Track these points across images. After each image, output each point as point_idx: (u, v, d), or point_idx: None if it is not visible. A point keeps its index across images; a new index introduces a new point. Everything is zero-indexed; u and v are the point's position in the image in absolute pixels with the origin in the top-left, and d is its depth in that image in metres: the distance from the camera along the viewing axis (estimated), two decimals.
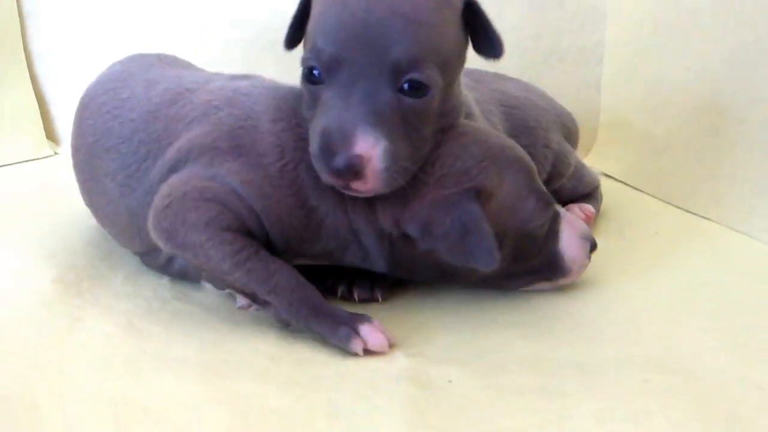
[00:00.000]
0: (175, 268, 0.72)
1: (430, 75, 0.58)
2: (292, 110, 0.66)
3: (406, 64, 0.57)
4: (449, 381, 0.55)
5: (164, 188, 0.64)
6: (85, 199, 0.79)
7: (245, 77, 0.74)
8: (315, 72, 0.60)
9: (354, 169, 0.56)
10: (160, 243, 0.64)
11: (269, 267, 0.62)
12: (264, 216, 0.63)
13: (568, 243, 0.69)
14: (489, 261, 0.60)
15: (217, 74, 0.77)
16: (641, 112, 1.12)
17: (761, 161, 0.88)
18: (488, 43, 0.64)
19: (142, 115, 0.71)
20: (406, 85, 0.58)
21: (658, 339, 0.63)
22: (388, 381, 0.54)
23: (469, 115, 0.73)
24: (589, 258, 0.71)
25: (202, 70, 0.82)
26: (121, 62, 0.83)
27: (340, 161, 0.56)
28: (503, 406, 0.52)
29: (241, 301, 0.67)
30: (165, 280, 0.73)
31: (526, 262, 0.68)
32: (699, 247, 0.84)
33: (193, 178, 0.64)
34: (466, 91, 0.76)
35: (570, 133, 0.96)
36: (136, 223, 0.70)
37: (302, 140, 0.64)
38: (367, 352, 0.59)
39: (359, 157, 0.56)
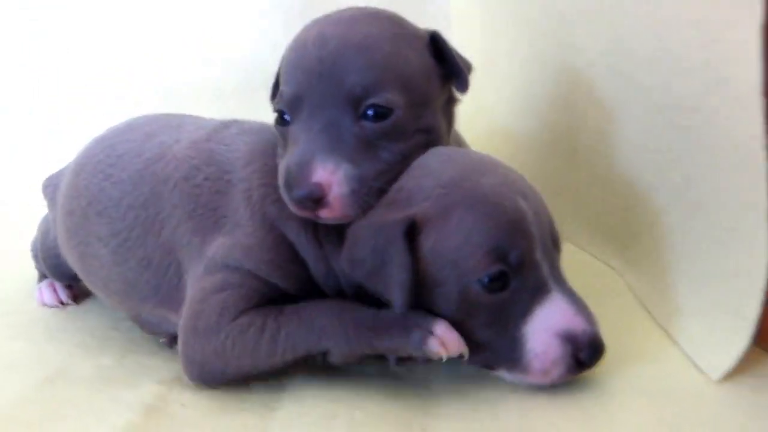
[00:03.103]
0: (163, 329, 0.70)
1: (390, 97, 0.58)
2: (268, 150, 0.65)
3: (362, 91, 0.57)
4: (182, 405, 0.58)
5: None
6: (75, 265, 0.76)
7: (236, 122, 0.71)
8: (285, 116, 0.61)
9: (314, 197, 0.56)
10: (186, 372, 0.60)
11: (302, 318, 0.58)
12: (258, 269, 0.60)
13: (538, 333, 0.54)
14: (397, 298, 0.53)
15: (210, 122, 0.73)
16: (485, 134, 1.23)
17: (558, 172, 0.96)
18: (455, 75, 0.65)
19: (132, 174, 0.68)
20: (370, 111, 0.57)
21: None
22: (120, 408, 0.58)
23: (462, 143, 0.75)
24: (570, 368, 0.54)
25: (205, 118, 0.77)
26: (129, 120, 0.78)
27: (299, 192, 0.56)
28: (210, 426, 0.55)
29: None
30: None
31: (475, 331, 0.55)
32: None
33: (194, 282, 0.62)
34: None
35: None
36: (128, 291, 0.68)
37: (269, 176, 0.62)
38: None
39: (318, 185, 0.55)
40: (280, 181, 0.58)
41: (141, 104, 1.45)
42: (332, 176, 0.55)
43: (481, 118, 1.24)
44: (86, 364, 0.68)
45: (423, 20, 1.40)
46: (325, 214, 0.57)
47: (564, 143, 0.93)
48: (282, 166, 0.59)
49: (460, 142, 0.75)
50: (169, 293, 0.66)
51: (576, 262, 0.87)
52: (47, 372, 0.65)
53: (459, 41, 1.34)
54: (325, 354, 0.58)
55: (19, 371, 0.66)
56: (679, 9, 0.62)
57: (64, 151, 1.25)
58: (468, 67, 0.66)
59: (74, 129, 1.43)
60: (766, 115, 0.53)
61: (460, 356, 0.55)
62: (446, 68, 0.64)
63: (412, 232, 0.55)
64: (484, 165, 0.58)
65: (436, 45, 0.64)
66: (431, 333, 0.54)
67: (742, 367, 0.57)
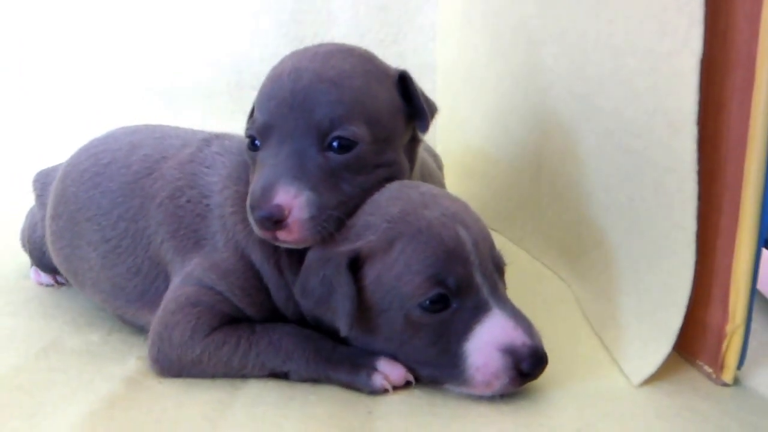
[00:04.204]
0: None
1: (355, 131, 0.61)
2: (242, 175, 0.68)
3: (329, 124, 0.60)
4: (159, 383, 0.65)
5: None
6: (61, 265, 0.80)
7: (218, 138, 0.75)
8: (256, 142, 0.64)
9: (274, 219, 0.58)
10: (160, 375, 0.65)
11: (272, 338, 0.63)
12: (230, 294, 0.65)
13: (478, 347, 0.58)
14: (342, 325, 0.59)
15: (194, 137, 0.76)
16: (459, 146, 1.31)
17: (523, 186, 1.03)
18: (417, 116, 0.68)
19: (122, 186, 0.72)
20: (335, 143, 0.61)
21: None
22: (106, 379, 0.65)
23: (428, 175, 0.78)
24: (512, 380, 0.58)
25: (186, 130, 0.80)
26: (109, 131, 0.82)
27: (261, 212, 0.59)
28: (185, 399, 0.62)
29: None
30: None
31: (420, 350, 0.61)
32: None
33: (169, 293, 0.67)
34: (424, 153, 0.80)
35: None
36: (116, 293, 0.73)
37: (240, 203, 0.66)
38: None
39: (279, 206, 0.58)
40: (247, 203, 0.62)
41: (134, 103, 1.53)
42: (293, 200, 0.59)
43: (458, 130, 1.30)
44: (76, 340, 0.75)
45: (411, 32, 1.48)
46: (283, 236, 0.60)
47: (530, 159, 0.99)
48: (250, 190, 0.62)
49: (424, 175, 0.79)
50: (155, 299, 0.70)
51: (530, 271, 0.94)
52: (41, 345, 0.72)
53: (442, 53, 1.41)
54: (287, 373, 0.64)
55: (16, 343, 0.73)
56: (631, 37, 0.68)
57: (60, 141, 1.32)
58: (432, 109, 0.69)
59: (71, 122, 1.50)
60: (699, 144, 0.60)
61: (408, 383, 0.62)
62: (412, 108, 0.68)
63: (357, 263, 0.60)
64: (429, 198, 0.62)
65: (404, 84, 0.67)
66: (375, 370, 0.61)
67: (661, 373, 0.64)
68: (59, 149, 1.00)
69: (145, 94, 1.59)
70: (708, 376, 0.65)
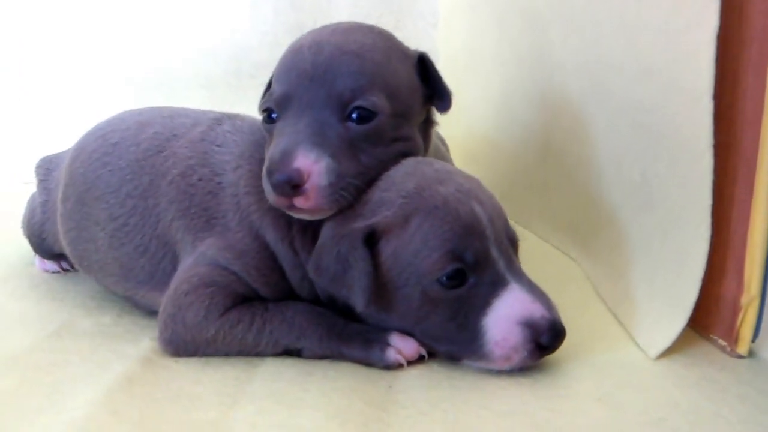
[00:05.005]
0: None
1: (376, 102, 0.61)
2: (255, 155, 0.68)
3: (350, 94, 0.60)
4: (175, 362, 0.65)
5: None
6: (68, 248, 0.79)
7: (229, 118, 0.74)
8: (272, 114, 0.64)
9: (292, 183, 0.57)
10: (173, 356, 0.64)
11: (285, 316, 0.64)
12: (245, 274, 0.65)
13: (497, 322, 0.58)
14: (359, 301, 0.59)
15: (204, 116, 0.76)
16: (462, 132, 1.31)
17: (530, 168, 1.04)
18: (438, 96, 0.69)
19: (131, 163, 0.72)
20: (354, 114, 0.60)
21: None
22: (120, 358, 0.64)
23: (442, 159, 0.76)
24: (531, 353, 0.58)
25: (195, 110, 0.80)
26: (115, 114, 0.82)
27: (279, 176, 0.58)
28: (202, 377, 0.62)
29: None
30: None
31: (438, 326, 0.60)
32: None
33: (180, 273, 0.66)
34: (436, 140, 0.80)
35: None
36: (125, 274, 0.72)
37: (253, 183, 0.66)
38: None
39: (298, 170, 0.57)
40: (264, 170, 0.61)
41: (133, 91, 1.52)
42: (313, 165, 0.58)
43: (462, 117, 1.30)
44: (87, 322, 0.74)
45: (411, 18, 1.48)
46: (300, 203, 0.59)
47: (536, 141, 1.00)
48: (267, 157, 0.62)
49: (438, 159, 0.78)
50: (163, 280, 0.70)
51: (539, 251, 0.95)
52: (53, 327, 0.72)
53: (445, 39, 1.41)
54: (300, 350, 0.64)
55: (28, 326, 0.73)
56: (643, 14, 0.68)
57: (62, 130, 1.32)
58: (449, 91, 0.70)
59: (70, 112, 1.49)
60: (715, 118, 0.60)
61: (421, 357, 0.62)
62: (429, 89, 0.68)
63: (372, 239, 0.60)
64: (444, 174, 0.62)
65: (423, 66, 0.68)
66: (388, 345, 0.61)
67: (676, 347, 0.64)
68: (62, 138, 0.99)
69: (143, 84, 1.58)
70: (722, 349, 0.65)
